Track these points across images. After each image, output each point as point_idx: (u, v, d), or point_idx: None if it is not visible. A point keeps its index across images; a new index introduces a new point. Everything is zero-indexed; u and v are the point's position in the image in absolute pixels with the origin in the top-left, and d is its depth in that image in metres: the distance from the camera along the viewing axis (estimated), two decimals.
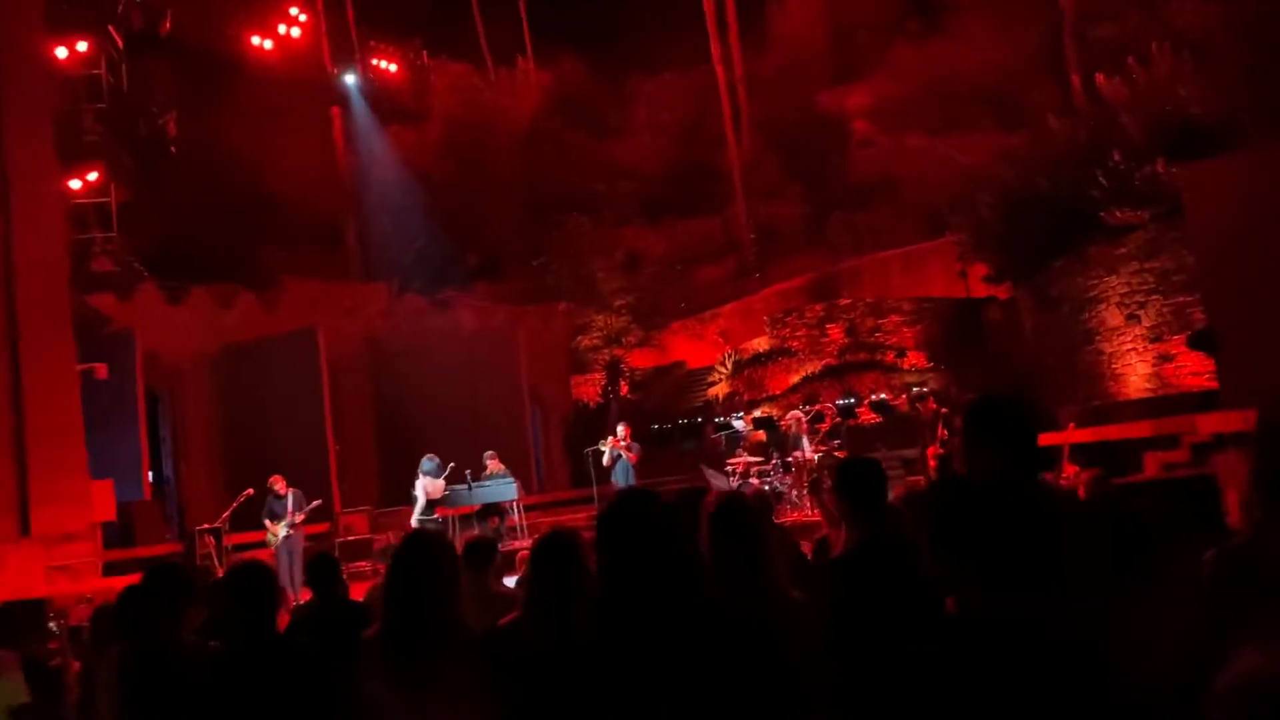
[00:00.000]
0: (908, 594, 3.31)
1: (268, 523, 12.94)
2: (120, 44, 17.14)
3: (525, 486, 16.01)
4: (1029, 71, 23.33)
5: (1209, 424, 11.51)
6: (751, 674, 2.24)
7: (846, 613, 3.46)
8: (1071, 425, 11.98)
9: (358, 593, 8.56)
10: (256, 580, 3.94)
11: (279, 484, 12.99)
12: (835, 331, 21.27)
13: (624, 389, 23.61)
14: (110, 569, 13.31)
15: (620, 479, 14.38)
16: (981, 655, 2.27)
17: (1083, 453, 12.28)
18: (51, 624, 6.08)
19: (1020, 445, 3.06)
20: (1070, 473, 10.76)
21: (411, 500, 13.79)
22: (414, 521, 13.21)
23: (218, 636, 4.45)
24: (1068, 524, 2.86)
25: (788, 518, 12.45)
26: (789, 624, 2.96)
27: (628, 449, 14.48)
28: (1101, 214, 16.49)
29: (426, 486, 13.31)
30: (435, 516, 13.36)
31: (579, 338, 24.13)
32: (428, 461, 13.45)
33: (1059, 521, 2.81)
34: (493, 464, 14.62)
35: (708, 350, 24.25)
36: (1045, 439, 14.19)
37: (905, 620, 3.21)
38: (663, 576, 2.32)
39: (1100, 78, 17.91)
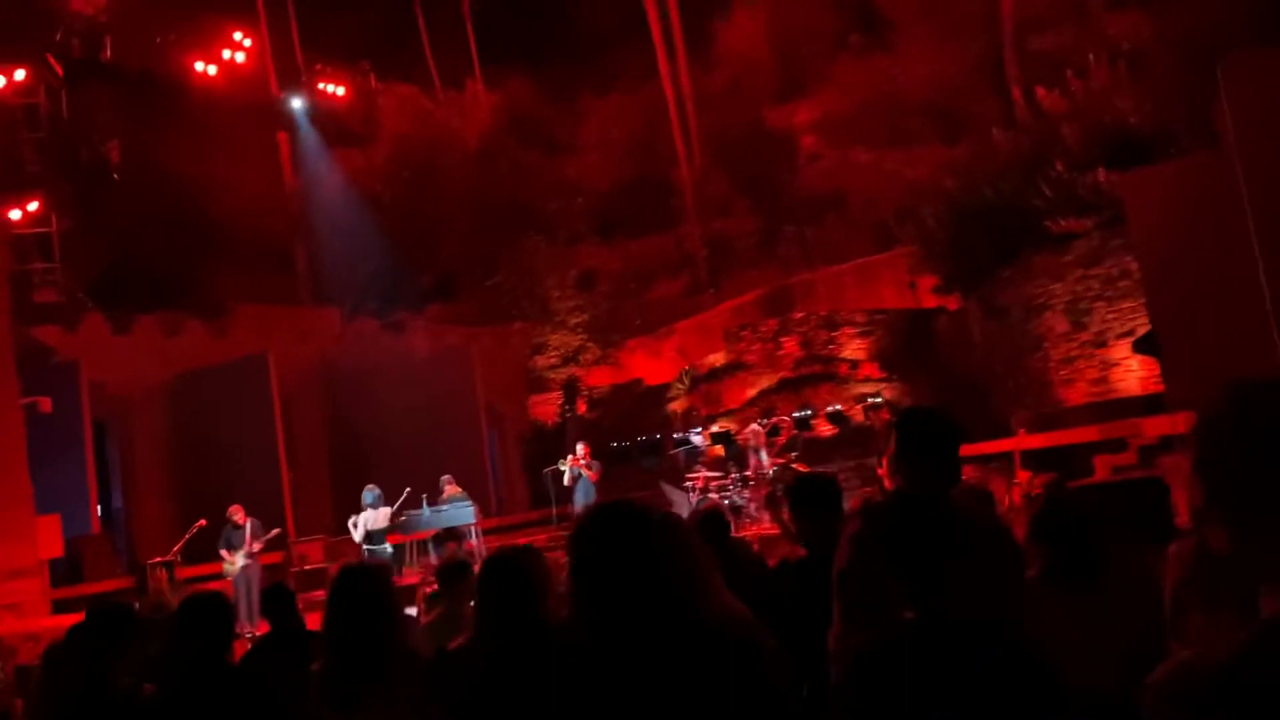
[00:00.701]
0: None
1: (224, 553, 12.78)
2: (60, 71, 16.89)
3: (484, 509, 15.91)
4: (971, 84, 23.74)
5: (1155, 427, 11.76)
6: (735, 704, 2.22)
7: (795, 617, 3.49)
8: (1022, 431, 12.17)
9: (315, 623, 8.46)
10: (210, 612, 3.90)
11: (238, 514, 12.87)
12: (790, 345, 21.41)
13: (582, 408, 23.57)
14: (59, 606, 13.03)
15: (581, 498, 14.36)
16: (912, 664, 2.31)
17: (1034, 458, 12.48)
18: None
19: (937, 457, 3.15)
20: (1023, 478, 10.90)
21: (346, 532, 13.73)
22: (365, 553, 13.12)
23: (170, 670, 4.38)
24: (978, 536, 2.95)
25: (747, 531, 12.49)
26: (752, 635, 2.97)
27: (588, 467, 14.47)
28: (1046, 223, 16.82)
29: (368, 519, 13.22)
30: (386, 545, 13.25)
31: (535, 357, 24.07)
32: (368, 494, 13.39)
33: (972, 533, 2.91)
34: (450, 488, 14.52)
35: (665, 367, 24.30)
36: (998, 445, 14.42)
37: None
38: (641, 598, 2.29)
39: (1040, 90, 18.30)
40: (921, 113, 24.69)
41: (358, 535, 13.32)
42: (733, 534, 7.10)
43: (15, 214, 15.66)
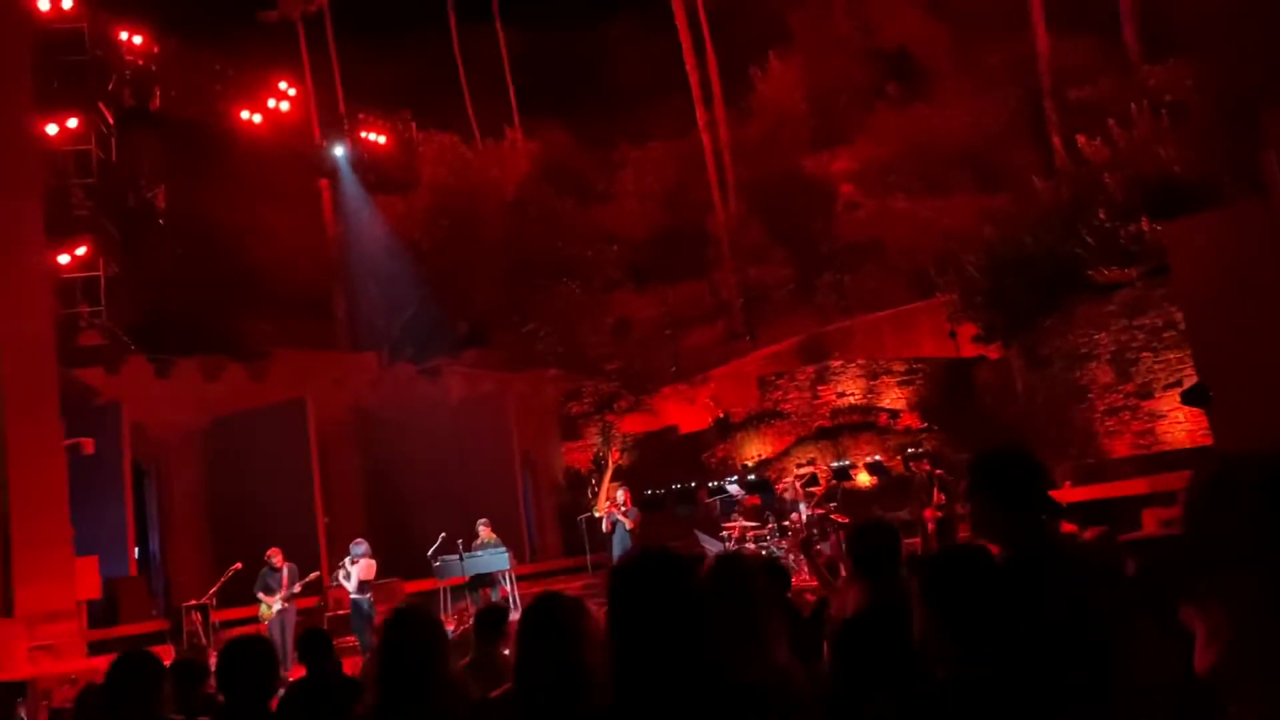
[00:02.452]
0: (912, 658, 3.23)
1: (262, 595, 12.72)
2: (110, 119, 17.28)
3: (517, 555, 15.78)
4: (1009, 133, 23.72)
5: None
6: None
7: (853, 675, 3.36)
8: (1067, 484, 11.92)
9: (351, 667, 8.36)
10: (255, 656, 3.85)
11: (276, 557, 12.85)
12: (827, 394, 21.24)
13: (616, 455, 23.45)
14: (95, 648, 13.02)
15: (618, 546, 14.19)
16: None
17: (1079, 511, 12.19)
18: (21, 711, 5.87)
19: (1026, 500, 2.99)
20: (1069, 531, 10.66)
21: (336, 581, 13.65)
22: (354, 599, 13.12)
23: (214, 714, 4.32)
24: (1101, 588, 2.78)
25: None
26: (790, 694, 2.86)
27: (625, 515, 14.31)
28: (1088, 272, 16.62)
29: (359, 571, 13.17)
30: (369, 596, 13.19)
31: (569, 404, 24.03)
32: (356, 546, 13.34)
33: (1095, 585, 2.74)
34: (485, 532, 14.43)
35: (699, 414, 24.16)
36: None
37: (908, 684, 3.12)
38: (681, 651, 2.20)
39: (1081, 139, 18.19)
40: (959, 161, 24.68)
41: (351, 585, 13.23)
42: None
43: (64, 258, 15.96)
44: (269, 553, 12.87)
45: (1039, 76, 23.05)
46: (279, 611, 12.57)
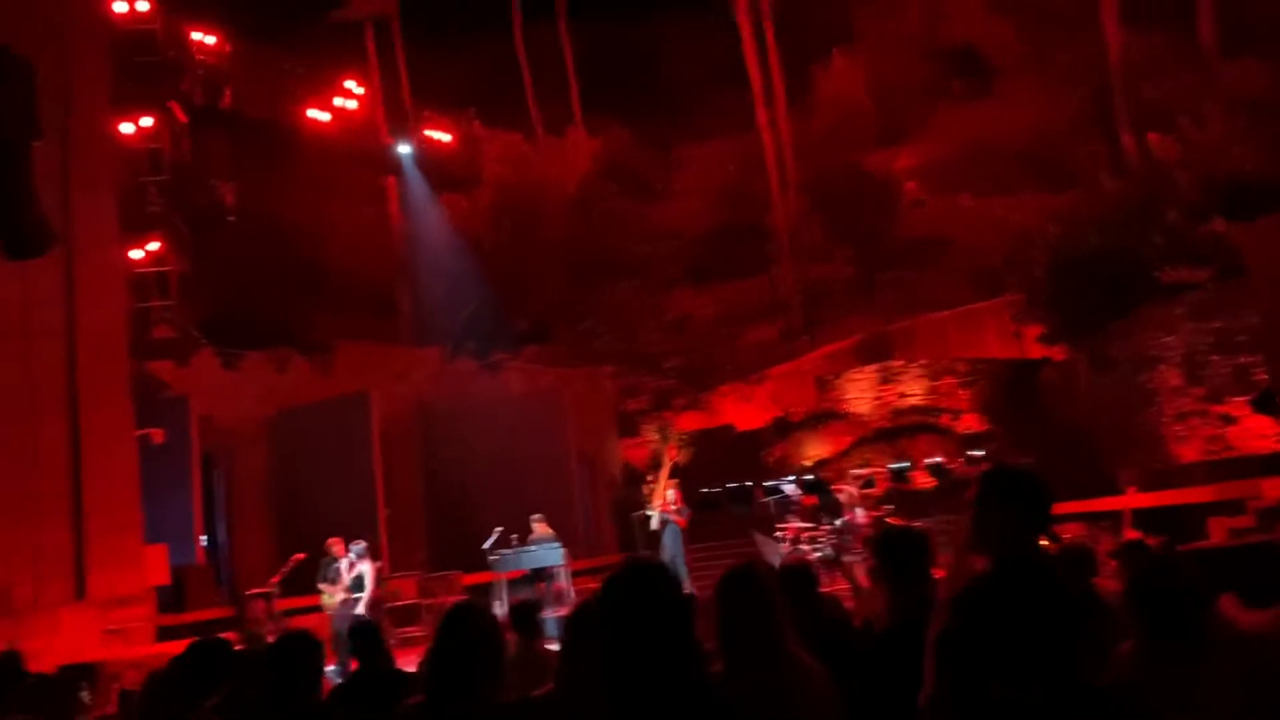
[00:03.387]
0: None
1: (323, 586, 12.87)
2: (182, 118, 17.75)
3: (572, 551, 15.89)
4: (1077, 131, 23.23)
5: (1276, 489, 11.13)
6: None
7: (889, 687, 3.34)
8: (1132, 489, 11.66)
9: (408, 659, 8.50)
10: (299, 653, 3.92)
11: (336, 546, 12.93)
12: (888, 394, 21.03)
13: (674, 452, 23.47)
14: (164, 633, 13.37)
15: (669, 544, 14.22)
16: None
17: (1145, 518, 11.94)
18: (84, 694, 6.07)
19: (1028, 516, 2.98)
20: (1132, 539, 10.44)
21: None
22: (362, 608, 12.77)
23: (261, 706, 4.43)
24: (1068, 607, 2.78)
25: (840, 585, 12.17)
26: (806, 696, 2.87)
27: (677, 513, 14.32)
28: (1157, 273, 16.23)
29: (366, 570, 12.97)
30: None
31: (627, 400, 24.10)
32: (357, 546, 13.17)
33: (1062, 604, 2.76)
34: (540, 527, 14.54)
35: (757, 412, 24.07)
36: (1107, 504, 13.82)
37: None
38: (664, 661, 2.24)
39: (1153, 136, 17.77)
40: (1026, 159, 24.24)
41: (368, 585, 13.08)
42: (822, 588, 6.91)
43: (137, 253, 16.42)
44: (329, 542, 12.96)
45: (1109, 73, 22.53)
46: (340, 602, 12.70)
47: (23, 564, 11.99)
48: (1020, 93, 24.63)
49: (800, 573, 5.58)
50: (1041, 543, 3.15)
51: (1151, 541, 7.27)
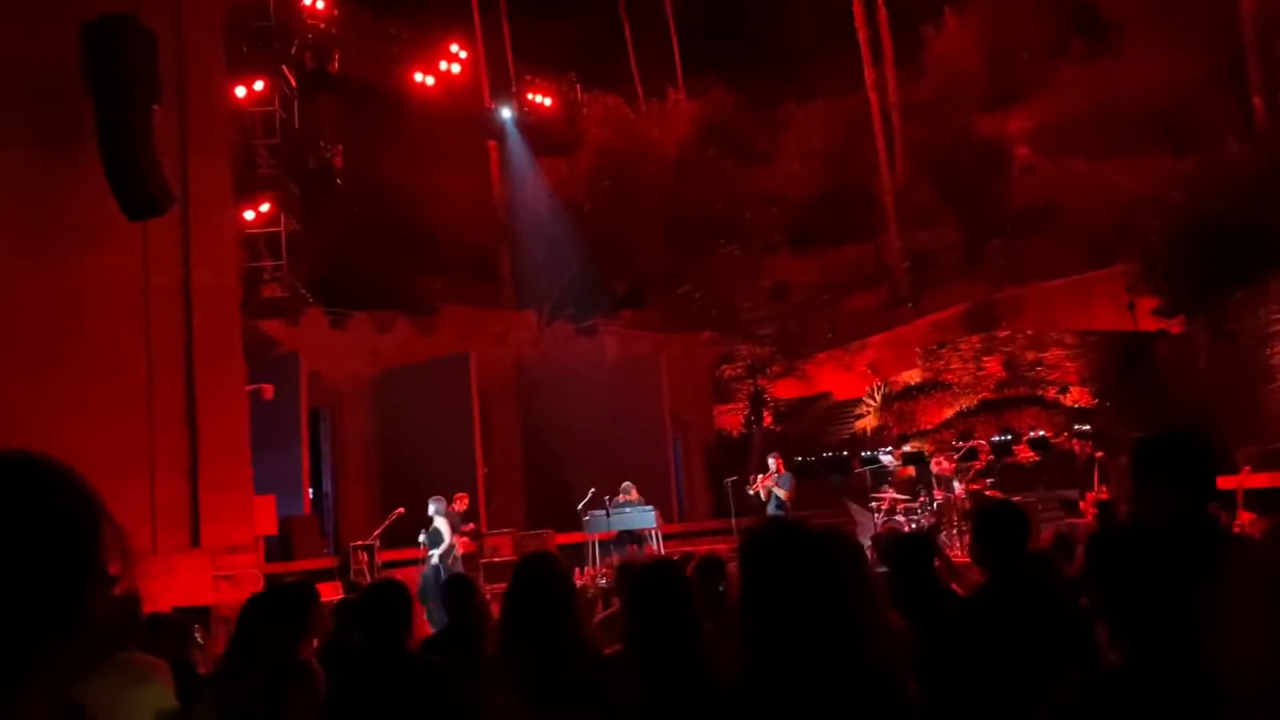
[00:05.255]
0: (1041, 640, 3.12)
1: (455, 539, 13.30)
2: (293, 83, 18.19)
3: (665, 515, 15.98)
4: (1203, 92, 22.06)
5: None
6: None
7: (971, 656, 3.28)
8: (1247, 469, 11.13)
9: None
10: (390, 599, 4.04)
11: (462, 501, 13.42)
12: (993, 364, 20.47)
13: (767, 419, 23.33)
14: (271, 580, 13.89)
15: (772, 513, 14.10)
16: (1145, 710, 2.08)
17: (1261, 498, 11.41)
18: (196, 634, 6.35)
19: (1197, 484, 2.84)
20: (1246, 520, 10.00)
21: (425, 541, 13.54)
22: (437, 561, 13.04)
23: (350, 651, 4.57)
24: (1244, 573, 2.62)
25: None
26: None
27: (779, 484, 14.08)
28: None
29: (441, 526, 13.23)
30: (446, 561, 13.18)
31: (722, 366, 24.02)
32: (435, 503, 13.39)
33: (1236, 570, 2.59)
34: (631, 494, 14.64)
35: (855, 382, 23.73)
36: (1220, 482, 13.24)
37: (1037, 667, 3.02)
38: (811, 631, 2.18)
39: None
40: (1147, 121, 23.14)
41: (445, 543, 13.35)
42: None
43: (249, 215, 16.95)
44: (457, 496, 13.45)
45: (1241, 30, 21.29)
46: (441, 556, 13.08)
47: (141, 513, 12.54)
48: (1144, 51, 23.46)
49: (918, 541, 5.50)
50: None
51: (1262, 523, 6.95)
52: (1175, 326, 18.81)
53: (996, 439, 18.04)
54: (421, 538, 13.29)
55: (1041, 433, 17.89)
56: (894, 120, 28.06)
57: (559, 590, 3.48)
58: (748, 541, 2.40)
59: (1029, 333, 20.71)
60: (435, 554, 13.13)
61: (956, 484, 12.99)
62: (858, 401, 22.57)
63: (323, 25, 19.80)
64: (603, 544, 14.49)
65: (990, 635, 3.28)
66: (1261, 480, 11.58)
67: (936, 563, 5.63)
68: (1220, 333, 16.95)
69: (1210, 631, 2.16)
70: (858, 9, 27.86)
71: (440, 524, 13.20)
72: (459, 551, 13.16)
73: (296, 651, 3.90)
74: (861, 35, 27.97)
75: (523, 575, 3.50)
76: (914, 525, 12.81)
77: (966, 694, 3.21)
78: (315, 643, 4.39)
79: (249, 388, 14.77)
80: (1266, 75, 20.06)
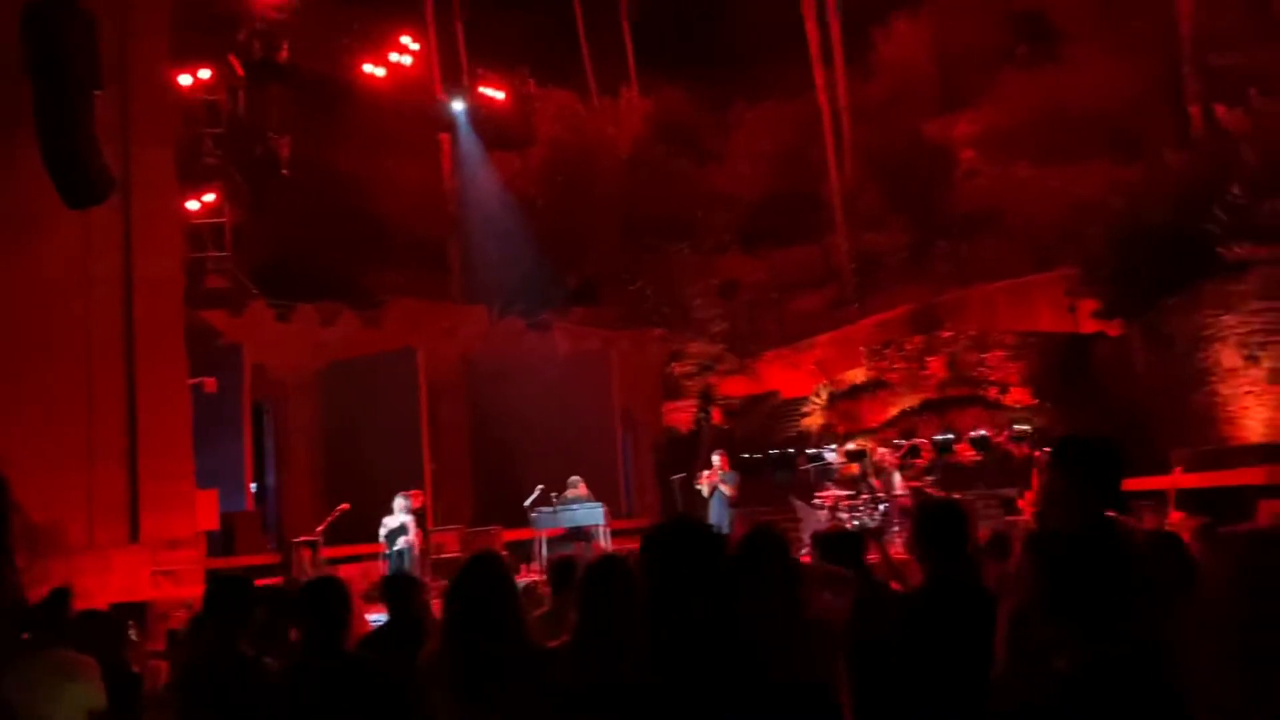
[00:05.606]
0: (973, 640, 3.20)
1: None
2: (240, 71, 17.92)
3: (614, 511, 16.02)
4: (1145, 101, 22.58)
5: None
6: None
7: (909, 654, 3.35)
8: (1179, 469, 11.45)
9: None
10: (327, 597, 4.03)
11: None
12: (935, 365, 20.77)
13: (716, 416, 23.48)
14: (212, 576, 13.70)
15: (715, 511, 14.24)
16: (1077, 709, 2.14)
17: (1193, 499, 11.73)
18: (130, 631, 6.27)
19: (1101, 489, 2.93)
20: (1176, 519, 10.29)
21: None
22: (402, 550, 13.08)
23: (289, 647, 4.55)
24: (1140, 571, 2.73)
25: (874, 555, 12.15)
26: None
27: (724, 481, 14.25)
28: (1219, 249, 15.81)
29: (409, 523, 13.28)
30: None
31: (673, 364, 24.12)
32: (403, 498, 13.42)
33: (1136, 569, 2.69)
34: (578, 489, 14.67)
35: (803, 380, 23.96)
36: (1152, 483, 13.60)
37: (971, 665, 3.10)
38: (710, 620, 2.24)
39: (1221, 109, 17.25)
40: (1089, 129, 23.62)
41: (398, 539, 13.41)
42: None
43: (193, 204, 16.69)
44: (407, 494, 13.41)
45: (1180, 41, 21.83)
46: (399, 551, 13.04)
47: (77, 506, 12.32)
48: (1089, 60, 23.94)
49: (847, 539, 5.60)
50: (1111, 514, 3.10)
51: (1191, 523, 7.16)
52: (1114, 329, 19.25)
53: (938, 438, 18.34)
54: (383, 532, 13.23)
55: (982, 432, 18.22)
56: (843, 123, 28.32)
57: (500, 589, 3.50)
58: (649, 538, 2.48)
59: (972, 334, 21.06)
60: (398, 548, 13.08)
61: (898, 479, 13.20)
62: (805, 400, 22.79)
63: (272, 14, 19.53)
64: (551, 541, 14.51)
65: (928, 633, 3.35)
66: (1193, 480, 11.91)
67: (874, 559, 5.72)
68: (1157, 336, 17.38)
69: (1164, 636, 2.23)
70: (808, 11, 28.07)
71: (407, 519, 13.21)
72: (416, 550, 13.11)
73: (238, 646, 3.89)
74: (811, 36, 28.19)
75: (464, 575, 3.52)
76: (856, 522, 13.00)
77: (903, 690, 3.28)
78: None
79: (191, 380, 14.57)
80: (1203, 85, 20.58)
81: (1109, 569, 2.32)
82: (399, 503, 13.30)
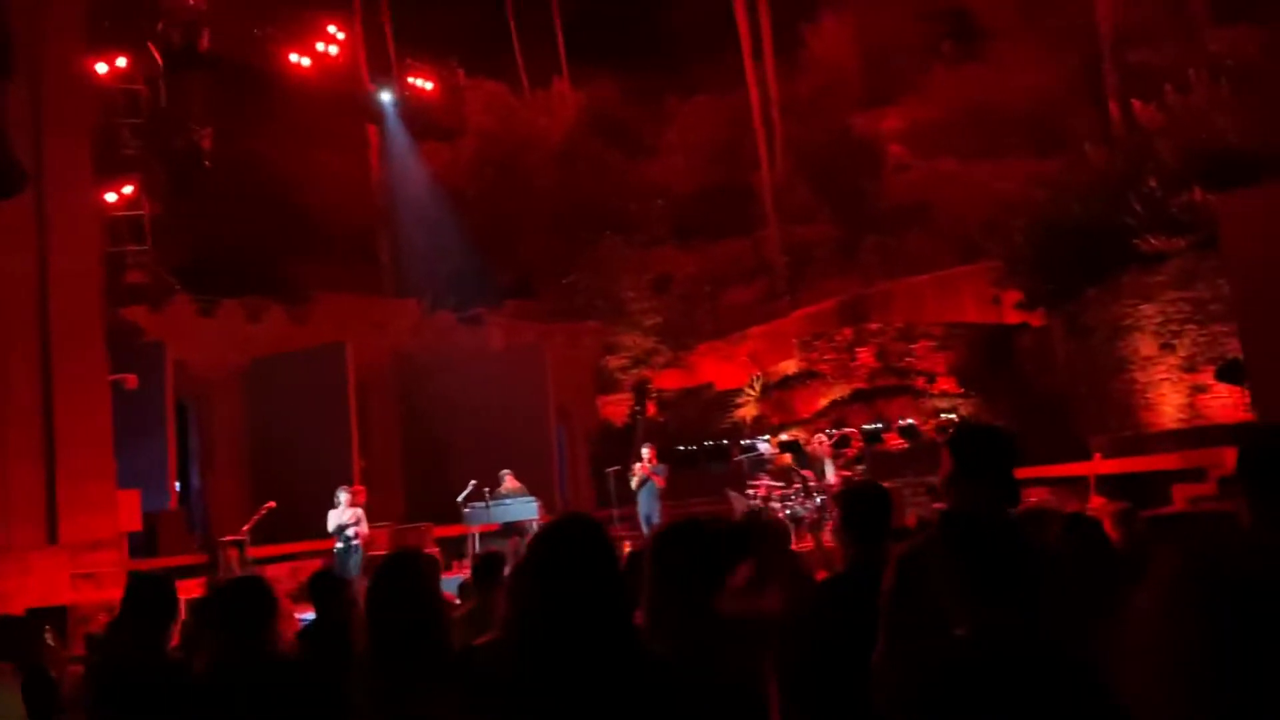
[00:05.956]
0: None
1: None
2: (159, 60, 17.46)
3: (549, 506, 15.96)
4: (1067, 97, 23.14)
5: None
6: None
7: (827, 636, 3.40)
8: (1098, 455, 11.77)
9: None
10: (249, 597, 3.94)
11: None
12: (865, 355, 21.10)
13: (651, 409, 23.54)
14: (133, 578, 13.37)
15: (645, 501, 14.30)
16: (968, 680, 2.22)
17: (1112, 484, 12.08)
18: (47, 636, 6.10)
19: (995, 478, 3.03)
20: (1097, 504, 10.57)
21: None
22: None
23: (211, 648, 4.45)
24: (1034, 557, 2.83)
25: (808, 543, 12.31)
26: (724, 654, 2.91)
27: (655, 473, 14.34)
28: (1136, 241, 16.28)
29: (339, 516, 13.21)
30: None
31: (607, 357, 24.13)
32: (346, 492, 13.35)
33: (1027, 554, 2.81)
34: (509, 482, 14.61)
35: (736, 372, 24.15)
36: (1073, 469, 13.98)
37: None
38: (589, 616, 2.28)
39: (1137, 104, 17.74)
40: (1014, 124, 24.15)
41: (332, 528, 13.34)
42: (793, 545, 7.01)
43: (111, 197, 16.23)
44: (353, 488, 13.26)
45: (1099, 38, 22.41)
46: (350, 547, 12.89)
47: None
48: (1012, 57, 24.46)
49: (767, 528, 5.65)
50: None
51: (1111, 507, 7.35)
52: (1036, 320, 19.72)
53: (868, 427, 18.62)
54: (332, 526, 13.05)
55: (910, 421, 18.53)
56: (774, 117, 28.54)
57: (416, 588, 3.45)
58: (536, 536, 2.50)
59: (899, 325, 21.43)
60: (353, 542, 12.92)
61: (829, 468, 13.36)
62: (739, 391, 22.96)
63: (192, 2, 19.04)
64: (484, 536, 14.41)
65: (848, 617, 3.40)
66: (1112, 466, 12.25)
67: (800, 547, 5.76)
68: (1077, 326, 17.85)
69: (1046, 606, 2.33)
70: (739, 5, 28.22)
71: (357, 512, 13.09)
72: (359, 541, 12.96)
73: (163, 647, 3.79)
74: (743, 30, 28.35)
75: (379, 575, 3.47)
76: (789, 511, 13.13)
77: (824, 676, 3.32)
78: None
79: (111, 377, 14.20)
80: (1121, 81, 21.15)
81: (1007, 545, 2.43)
82: (343, 496, 13.14)
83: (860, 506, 4.03)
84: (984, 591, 2.32)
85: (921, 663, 2.37)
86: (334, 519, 13.03)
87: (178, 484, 16.62)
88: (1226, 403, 15.23)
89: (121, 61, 16.66)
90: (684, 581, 2.92)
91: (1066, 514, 5.31)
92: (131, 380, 14.59)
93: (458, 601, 6.31)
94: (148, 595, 3.94)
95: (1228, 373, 12.79)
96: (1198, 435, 13.76)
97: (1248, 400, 13.86)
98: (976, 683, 2.18)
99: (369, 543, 13.23)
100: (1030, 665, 2.18)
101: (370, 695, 3.34)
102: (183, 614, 4.71)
